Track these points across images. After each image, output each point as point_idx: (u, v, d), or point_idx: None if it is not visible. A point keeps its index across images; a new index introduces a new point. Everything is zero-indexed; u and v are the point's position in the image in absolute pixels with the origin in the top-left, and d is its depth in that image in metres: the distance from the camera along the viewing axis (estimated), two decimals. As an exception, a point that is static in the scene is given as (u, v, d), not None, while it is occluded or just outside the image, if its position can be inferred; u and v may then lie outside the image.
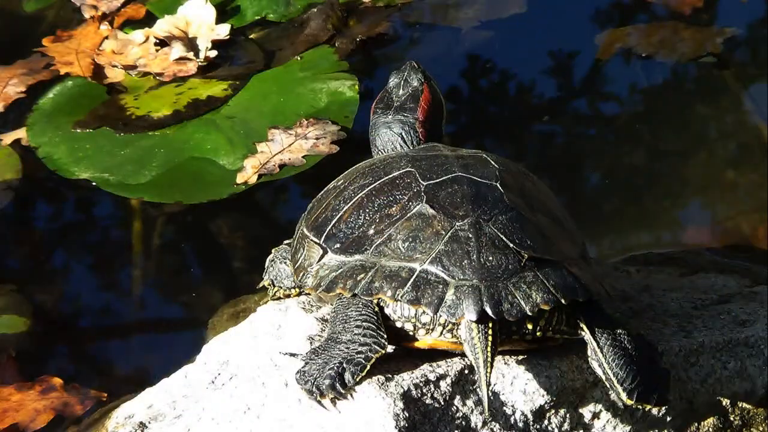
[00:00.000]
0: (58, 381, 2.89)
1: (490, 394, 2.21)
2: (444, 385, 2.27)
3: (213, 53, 3.83)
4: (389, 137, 2.61)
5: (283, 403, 2.28)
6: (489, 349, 2.18)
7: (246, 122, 3.60)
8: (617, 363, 2.26)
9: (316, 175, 3.41)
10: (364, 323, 2.25)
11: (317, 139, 3.50)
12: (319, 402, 2.22)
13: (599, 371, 2.28)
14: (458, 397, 2.27)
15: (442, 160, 2.39)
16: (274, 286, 2.61)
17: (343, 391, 2.20)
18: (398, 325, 2.27)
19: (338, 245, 2.34)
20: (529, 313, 2.21)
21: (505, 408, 2.29)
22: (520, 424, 2.29)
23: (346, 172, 2.50)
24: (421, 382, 2.26)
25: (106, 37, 3.90)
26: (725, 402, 2.45)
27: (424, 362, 2.30)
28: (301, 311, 2.48)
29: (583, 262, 2.35)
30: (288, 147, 3.47)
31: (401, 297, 2.22)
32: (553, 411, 2.32)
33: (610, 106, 3.78)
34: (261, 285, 2.65)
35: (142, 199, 3.41)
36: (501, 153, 2.65)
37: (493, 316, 2.19)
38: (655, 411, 2.38)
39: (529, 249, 2.26)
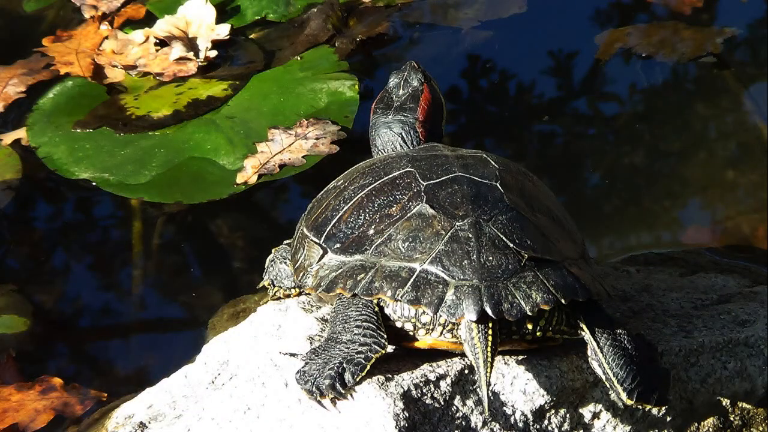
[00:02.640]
0: (58, 381, 2.89)
1: (490, 394, 2.21)
2: (444, 385, 2.27)
3: (213, 53, 3.82)
4: (389, 137, 2.61)
5: (283, 403, 2.28)
6: (489, 349, 2.18)
7: (246, 122, 3.59)
8: (617, 363, 2.26)
9: (316, 175, 3.41)
10: (364, 323, 2.24)
11: (317, 139, 3.49)
12: (319, 402, 2.22)
13: (599, 371, 2.28)
14: (458, 397, 2.27)
15: (442, 160, 2.39)
16: (274, 286, 2.61)
17: (343, 391, 2.20)
18: (398, 325, 2.27)
19: (338, 245, 2.34)
20: (529, 313, 2.21)
21: (505, 408, 2.29)
22: (520, 424, 2.29)
23: (346, 172, 2.50)
24: (421, 382, 2.26)
25: (106, 37, 3.90)
26: (725, 402, 2.45)
27: (424, 362, 2.29)
28: (301, 311, 2.48)
29: (583, 262, 2.34)
30: (288, 147, 3.47)
31: (401, 297, 2.22)
32: (553, 411, 2.32)
33: (610, 106, 3.77)
34: (261, 285, 2.65)
35: (142, 199, 3.41)
36: (501, 153, 2.65)
37: (493, 316, 2.19)
38: (655, 411, 2.38)
39: (529, 249, 2.26)
